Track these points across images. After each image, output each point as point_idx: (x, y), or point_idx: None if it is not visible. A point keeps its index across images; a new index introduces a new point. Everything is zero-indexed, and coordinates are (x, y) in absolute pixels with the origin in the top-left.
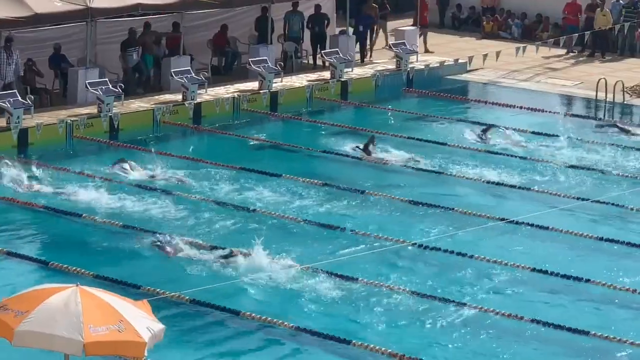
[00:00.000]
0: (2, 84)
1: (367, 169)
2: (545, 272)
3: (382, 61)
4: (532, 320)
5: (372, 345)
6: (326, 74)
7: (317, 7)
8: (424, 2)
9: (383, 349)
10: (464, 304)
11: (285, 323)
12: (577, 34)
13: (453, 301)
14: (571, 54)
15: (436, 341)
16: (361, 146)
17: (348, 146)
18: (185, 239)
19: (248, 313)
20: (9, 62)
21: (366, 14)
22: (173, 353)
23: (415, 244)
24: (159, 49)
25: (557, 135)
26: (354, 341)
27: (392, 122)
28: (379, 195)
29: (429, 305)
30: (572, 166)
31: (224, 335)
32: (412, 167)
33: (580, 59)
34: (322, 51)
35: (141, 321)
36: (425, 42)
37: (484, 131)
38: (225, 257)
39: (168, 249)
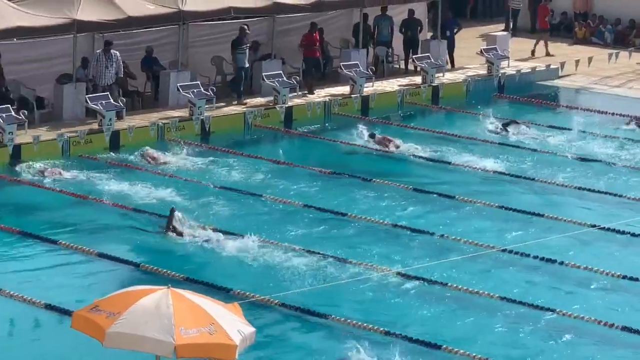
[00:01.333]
0: (102, 88)
1: (457, 175)
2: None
3: (473, 66)
4: (623, 328)
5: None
6: (417, 79)
7: (411, 12)
8: (545, 6)
9: (472, 354)
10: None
11: (377, 328)
12: None
13: (546, 308)
14: None
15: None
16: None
17: (435, 151)
18: (276, 243)
19: (337, 317)
20: (107, 66)
21: (450, 19)
22: (264, 357)
23: (506, 249)
24: (255, 54)
25: None
26: (444, 346)
27: (482, 126)
28: (470, 202)
29: (523, 311)
30: None
31: (314, 340)
32: (504, 174)
33: None
34: (414, 56)
35: (232, 324)
36: (546, 45)
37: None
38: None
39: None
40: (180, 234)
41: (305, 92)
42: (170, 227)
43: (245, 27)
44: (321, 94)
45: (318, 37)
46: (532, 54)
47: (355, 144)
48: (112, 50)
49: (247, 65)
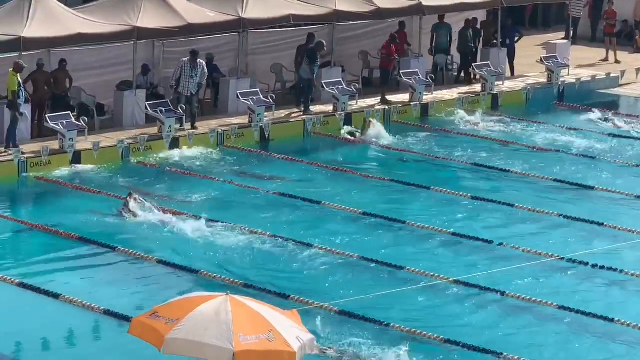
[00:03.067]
0: (185, 97)
1: (514, 182)
2: None
3: (533, 74)
4: None
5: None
6: (477, 87)
7: (472, 20)
8: (613, 11)
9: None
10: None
11: (433, 335)
12: None
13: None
14: None
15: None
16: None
17: (496, 160)
18: (331, 250)
19: (396, 325)
20: (192, 75)
21: (511, 26)
22: None
23: (564, 258)
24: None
25: None
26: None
27: (542, 135)
28: (527, 210)
29: (579, 320)
30: None
31: (377, 348)
32: (560, 181)
33: None
34: (474, 64)
35: (291, 331)
36: (615, 52)
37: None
38: None
39: None
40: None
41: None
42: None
43: (324, 42)
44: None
45: (395, 49)
46: (606, 59)
47: (413, 152)
48: (198, 60)
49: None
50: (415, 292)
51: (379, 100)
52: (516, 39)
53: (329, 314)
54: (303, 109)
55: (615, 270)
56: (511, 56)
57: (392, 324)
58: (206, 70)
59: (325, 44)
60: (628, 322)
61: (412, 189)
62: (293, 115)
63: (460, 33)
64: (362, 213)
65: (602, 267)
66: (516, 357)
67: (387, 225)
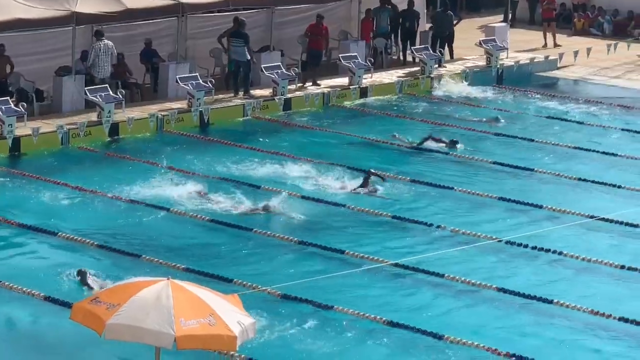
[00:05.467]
0: (100, 80)
1: (454, 165)
2: (635, 269)
3: (472, 57)
4: (620, 319)
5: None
6: (416, 70)
7: (410, 3)
8: None
9: (477, 343)
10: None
11: (376, 317)
12: None
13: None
14: None
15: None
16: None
17: (434, 142)
18: (272, 234)
19: (339, 307)
20: (104, 58)
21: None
22: (265, 348)
23: (502, 240)
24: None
25: None
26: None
27: (480, 117)
28: (466, 192)
29: (520, 302)
30: None
31: (314, 330)
32: (499, 163)
33: None
34: (412, 47)
35: (232, 315)
36: (554, 36)
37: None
38: None
39: None
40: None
41: (309, 84)
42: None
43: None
44: (320, 86)
45: (325, 28)
46: (545, 45)
47: (352, 135)
48: (105, 41)
49: (243, 59)
50: (357, 276)
51: (311, 84)
52: (455, 22)
53: (271, 297)
54: (244, 90)
55: (554, 252)
56: (450, 40)
57: (335, 307)
58: (115, 52)
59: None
60: (567, 304)
61: (353, 172)
62: (233, 99)
63: (402, 15)
64: (301, 197)
65: (541, 249)
66: (457, 339)
67: (329, 209)
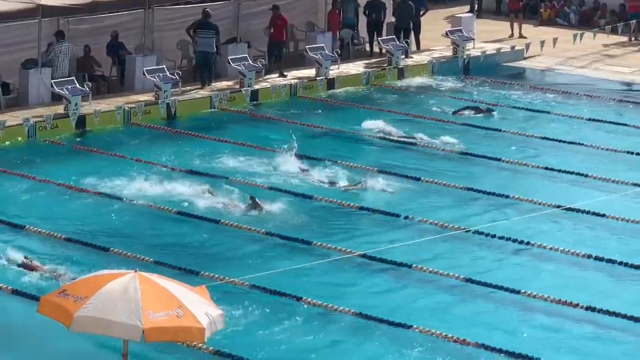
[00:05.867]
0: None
1: (420, 155)
2: (602, 258)
3: (438, 48)
4: (587, 308)
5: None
6: (383, 61)
7: None
8: None
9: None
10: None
11: (344, 308)
12: (636, 21)
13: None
14: (634, 41)
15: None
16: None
17: (404, 133)
18: (236, 225)
19: (307, 299)
20: (64, 58)
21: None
22: (234, 339)
23: (469, 230)
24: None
25: (614, 122)
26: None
27: (447, 107)
28: (433, 182)
29: (485, 292)
30: (629, 152)
31: (283, 322)
32: (467, 153)
33: None
34: (379, 38)
35: (200, 307)
36: (520, 27)
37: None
38: None
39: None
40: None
41: (276, 75)
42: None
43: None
44: (287, 77)
45: (284, 19)
46: (512, 36)
47: (319, 126)
48: (66, 43)
49: (210, 50)
50: (325, 267)
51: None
52: (422, 13)
53: (239, 289)
54: (207, 81)
55: (521, 241)
56: (417, 31)
57: (303, 298)
58: (71, 49)
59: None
60: (534, 293)
61: (318, 163)
62: (200, 91)
63: (369, 6)
64: (268, 188)
65: (508, 239)
66: (425, 329)
67: (296, 200)
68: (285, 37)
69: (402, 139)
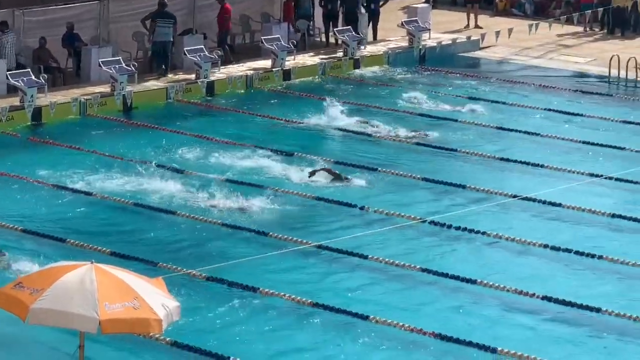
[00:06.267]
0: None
1: (373, 145)
2: (558, 248)
3: (394, 38)
4: (543, 297)
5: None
6: (339, 52)
7: None
8: None
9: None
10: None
11: (300, 298)
12: (591, 11)
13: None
14: (589, 31)
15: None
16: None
17: (360, 123)
18: (198, 218)
19: (264, 290)
20: (10, 49)
21: None
22: (190, 330)
23: (425, 220)
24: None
25: (569, 112)
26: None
27: (403, 98)
28: (389, 173)
29: (441, 282)
30: (585, 142)
31: (240, 313)
32: (423, 144)
33: (596, 36)
34: (335, 29)
35: (156, 298)
36: (476, 17)
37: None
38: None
39: None
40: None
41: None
42: None
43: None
44: (243, 68)
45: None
46: (467, 26)
47: (275, 118)
48: (11, 33)
49: (169, 39)
50: (282, 258)
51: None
52: (381, 3)
53: (196, 280)
54: (164, 71)
55: (477, 231)
56: (375, 21)
57: (260, 289)
58: (14, 40)
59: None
60: (491, 283)
61: (274, 155)
62: (155, 82)
63: None
64: (225, 180)
65: (464, 229)
66: (383, 319)
67: (252, 190)
68: (227, 26)
69: (357, 130)
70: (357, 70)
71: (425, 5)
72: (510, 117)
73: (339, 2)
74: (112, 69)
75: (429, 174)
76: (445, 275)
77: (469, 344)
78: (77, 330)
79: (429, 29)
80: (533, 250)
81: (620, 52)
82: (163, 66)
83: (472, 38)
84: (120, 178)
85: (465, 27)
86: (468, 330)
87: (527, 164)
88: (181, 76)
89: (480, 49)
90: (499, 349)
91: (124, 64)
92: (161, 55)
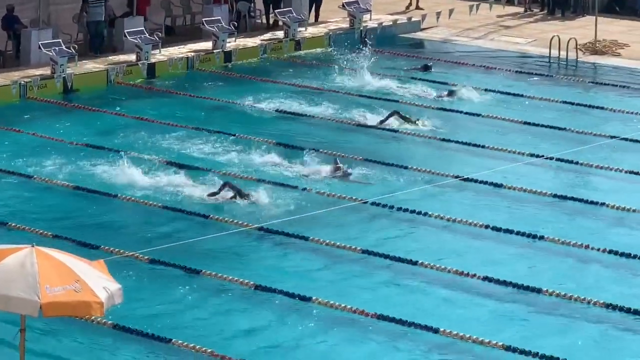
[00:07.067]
0: None
1: (314, 127)
2: (500, 229)
3: (335, 20)
4: (485, 278)
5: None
6: (280, 34)
7: None
8: None
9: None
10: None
11: (246, 281)
12: None
13: (409, 260)
14: (529, 12)
15: (382, 299)
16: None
17: (301, 105)
18: (139, 200)
19: (207, 272)
20: None
21: None
22: (132, 313)
23: (366, 201)
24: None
25: (509, 93)
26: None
27: (345, 80)
28: (329, 154)
29: (384, 263)
30: (526, 122)
31: (184, 295)
32: (363, 125)
33: (536, 17)
34: (276, 10)
35: (98, 281)
36: None
37: (450, 93)
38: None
39: None
40: None
41: None
42: None
43: None
44: (184, 50)
45: None
46: (409, 7)
47: (216, 99)
48: None
49: (101, 19)
50: (223, 239)
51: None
52: None
53: (138, 262)
54: (99, 51)
55: (418, 212)
56: (318, 3)
57: (202, 271)
58: None
59: None
60: (431, 264)
61: (215, 137)
62: (96, 65)
63: None
64: (166, 162)
65: (406, 210)
66: (323, 300)
67: (193, 172)
68: (143, 11)
69: (298, 112)
70: (298, 52)
71: None
72: (450, 98)
73: None
74: (52, 51)
75: (370, 155)
76: (387, 256)
77: (411, 324)
78: (18, 313)
79: (370, 10)
80: (474, 231)
81: (560, 33)
82: (98, 49)
83: (413, 19)
84: (61, 161)
85: (406, 8)
86: (410, 312)
87: (468, 144)
88: (122, 58)
89: (421, 30)
90: (441, 329)
91: (64, 46)
92: (96, 35)
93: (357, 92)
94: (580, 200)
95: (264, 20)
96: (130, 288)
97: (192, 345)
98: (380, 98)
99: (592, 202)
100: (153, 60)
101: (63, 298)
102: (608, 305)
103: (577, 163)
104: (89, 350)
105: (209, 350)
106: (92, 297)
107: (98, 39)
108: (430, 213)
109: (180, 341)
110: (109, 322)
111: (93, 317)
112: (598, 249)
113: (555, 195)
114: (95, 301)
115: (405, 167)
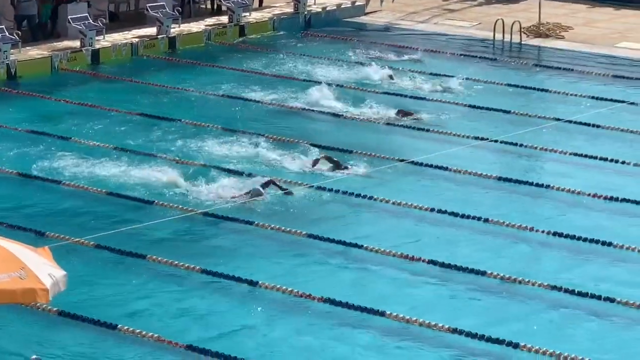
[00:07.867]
0: None
1: (258, 111)
2: (445, 212)
3: (279, 4)
4: (430, 262)
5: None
6: (224, 19)
7: None
8: None
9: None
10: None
11: (193, 266)
12: None
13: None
14: None
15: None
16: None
17: (248, 91)
18: (84, 187)
19: (153, 257)
20: None
21: None
22: (78, 300)
23: (313, 186)
24: None
25: (454, 76)
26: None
27: (291, 65)
28: (274, 140)
29: (333, 248)
30: (470, 106)
31: (131, 281)
32: (307, 109)
33: (480, 0)
34: None
35: (43, 268)
36: None
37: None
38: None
39: None
40: None
41: None
42: None
43: None
44: (128, 36)
45: None
46: None
47: (161, 85)
48: None
49: (34, 13)
50: (168, 225)
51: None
52: None
53: (84, 248)
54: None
55: (364, 196)
56: None
57: (148, 256)
58: None
59: None
60: (377, 248)
61: (164, 123)
62: (40, 51)
63: None
64: (114, 148)
65: (352, 194)
66: (271, 285)
67: (135, 159)
68: None
69: (243, 96)
70: (242, 37)
71: None
72: (395, 82)
73: None
74: None
75: (313, 139)
76: (332, 240)
77: (357, 308)
78: None
79: None
80: (420, 214)
81: (504, 16)
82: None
83: (357, 3)
84: (4, 148)
85: None
86: (355, 296)
87: (413, 128)
88: (66, 44)
89: (366, 14)
90: (387, 312)
91: (7, 33)
92: (28, 28)
93: (298, 76)
94: (525, 183)
95: (209, 6)
96: (76, 274)
97: (138, 331)
98: (321, 82)
99: (537, 185)
100: (97, 47)
101: (8, 285)
102: (553, 287)
103: (521, 145)
104: (35, 337)
105: (156, 336)
106: (37, 284)
107: (31, 33)
108: (375, 197)
109: (126, 327)
110: (55, 309)
111: (39, 304)
112: (543, 231)
113: (500, 178)
114: (41, 288)
115: (350, 152)
